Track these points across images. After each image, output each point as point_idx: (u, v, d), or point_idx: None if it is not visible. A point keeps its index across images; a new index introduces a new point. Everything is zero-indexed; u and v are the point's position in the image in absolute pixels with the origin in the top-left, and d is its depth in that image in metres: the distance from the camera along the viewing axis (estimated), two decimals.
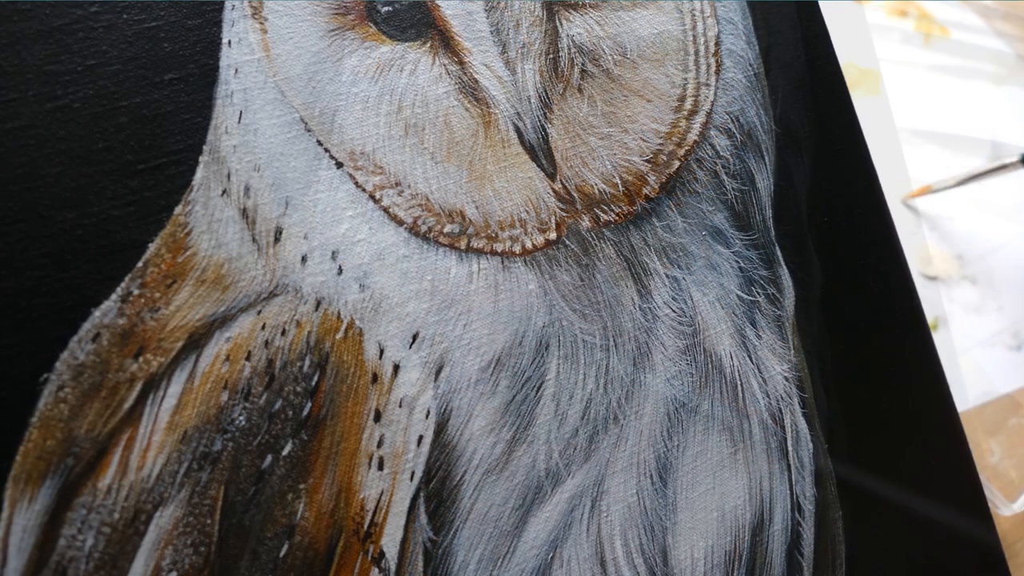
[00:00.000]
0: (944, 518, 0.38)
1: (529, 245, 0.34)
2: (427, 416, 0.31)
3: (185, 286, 0.30)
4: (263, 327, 0.30)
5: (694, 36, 0.38)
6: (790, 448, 0.36)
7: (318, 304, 0.31)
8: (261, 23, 0.32)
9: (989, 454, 0.57)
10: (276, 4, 0.32)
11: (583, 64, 0.36)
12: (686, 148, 0.37)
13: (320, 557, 0.29)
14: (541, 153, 0.34)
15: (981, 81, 0.75)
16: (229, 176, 0.31)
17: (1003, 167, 0.27)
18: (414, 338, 0.32)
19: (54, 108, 0.29)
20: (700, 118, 0.37)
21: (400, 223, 0.32)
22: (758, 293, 0.37)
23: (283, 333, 0.30)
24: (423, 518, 0.31)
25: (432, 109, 0.33)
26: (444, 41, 0.34)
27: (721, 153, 0.37)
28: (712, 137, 0.37)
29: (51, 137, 0.29)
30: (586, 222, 0.35)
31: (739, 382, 0.36)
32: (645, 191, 0.36)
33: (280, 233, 0.31)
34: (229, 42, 0.32)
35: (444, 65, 0.34)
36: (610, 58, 0.36)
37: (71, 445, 0.27)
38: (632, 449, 0.33)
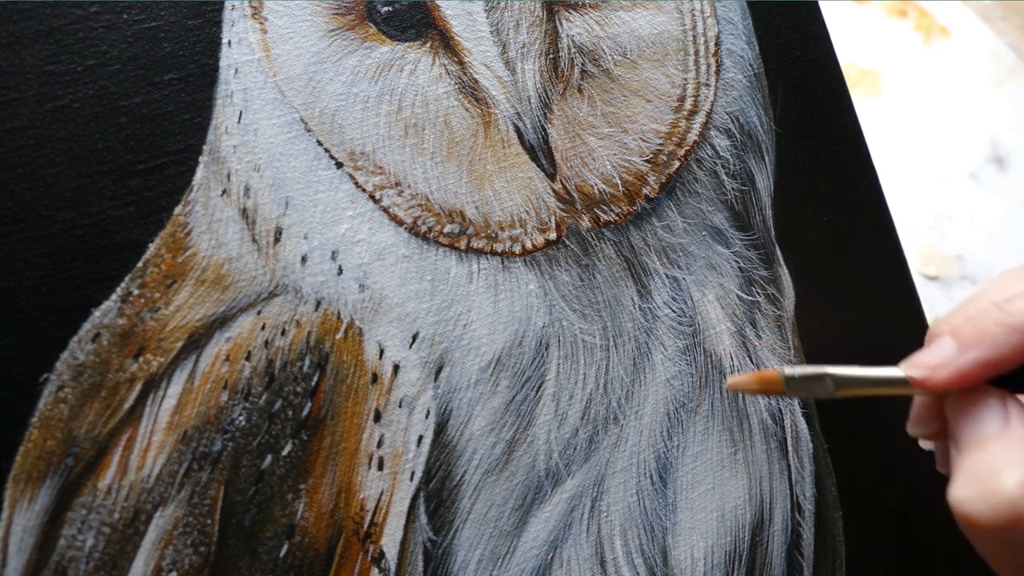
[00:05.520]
0: (946, 518, 0.38)
1: (529, 245, 0.34)
2: (427, 416, 0.31)
3: (185, 286, 0.30)
4: (263, 327, 0.30)
5: (694, 36, 0.38)
6: (790, 448, 0.36)
7: (318, 304, 0.31)
8: (261, 23, 0.32)
9: None
10: (276, 4, 0.32)
11: (583, 64, 0.36)
12: (686, 148, 0.37)
13: (320, 557, 0.29)
14: (541, 153, 0.34)
15: (981, 81, 0.75)
16: (229, 176, 0.31)
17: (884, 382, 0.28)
18: (414, 338, 0.32)
19: (54, 108, 0.29)
20: (700, 118, 0.37)
21: (400, 223, 0.32)
22: (758, 293, 0.37)
23: (283, 333, 0.30)
24: (423, 518, 0.31)
25: (432, 109, 0.33)
26: (444, 41, 0.34)
27: (721, 153, 0.37)
28: (712, 137, 0.37)
29: (51, 137, 0.29)
30: (586, 222, 0.35)
31: None
32: (645, 191, 0.36)
33: (280, 233, 0.31)
34: (229, 42, 0.32)
35: (444, 65, 0.34)
36: (610, 58, 0.36)
37: (71, 445, 0.27)
38: (632, 449, 0.33)
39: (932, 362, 0.27)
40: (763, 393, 0.30)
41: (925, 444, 0.34)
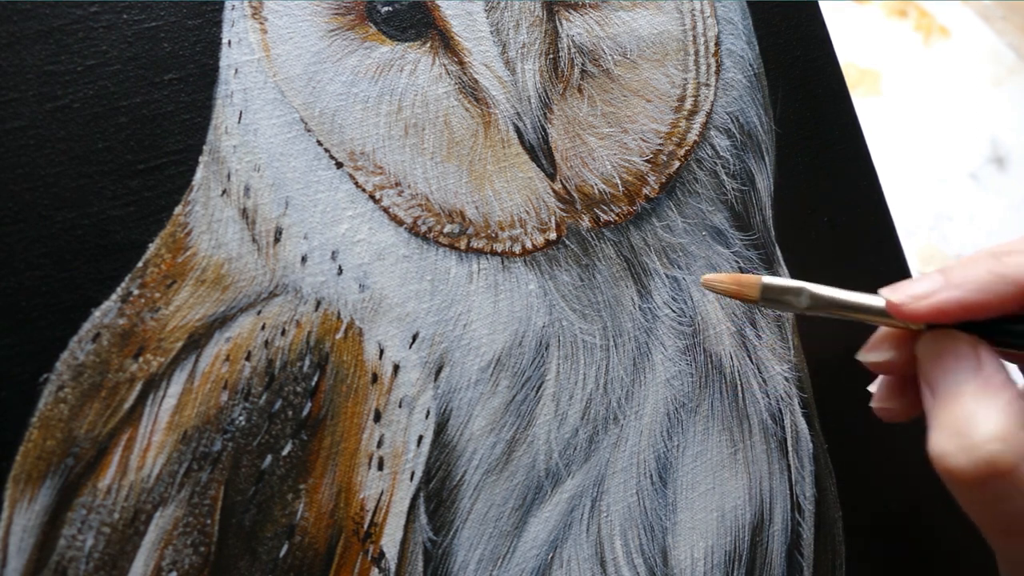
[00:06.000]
0: (946, 518, 0.38)
1: (529, 245, 0.34)
2: (427, 416, 0.31)
3: (185, 286, 0.30)
4: (263, 327, 0.30)
5: (694, 36, 0.38)
6: (790, 448, 0.36)
7: (318, 304, 0.31)
8: (261, 23, 0.32)
9: None
10: (276, 4, 0.32)
11: (583, 64, 0.36)
12: (686, 148, 0.37)
13: (320, 557, 0.29)
14: (541, 153, 0.34)
15: (981, 81, 0.75)
16: (229, 176, 0.31)
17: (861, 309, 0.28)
18: (414, 338, 0.32)
19: (54, 108, 0.29)
20: (700, 118, 0.37)
21: (400, 223, 0.32)
22: None
23: (283, 333, 0.30)
24: (423, 518, 0.31)
25: (432, 109, 0.33)
26: (444, 41, 0.34)
27: (721, 153, 0.37)
28: (712, 137, 0.37)
29: (51, 137, 0.29)
30: (586, 222, 0.35)
31: (739, 382, 0.36)
32: (645, 191, 0.36)
33: (280, 233, 0.31)
34: (229, 42, 0.32)
35: (444, 65, 0.34)
36: (610, 58, 0.36)
37: (71, 445, 0.27)
38: (632, 449, 0.33)
39: (914, 291, 0.27)
40: (735, 296, 0.30)
41: (872, 387, 0.34)
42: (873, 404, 0.33)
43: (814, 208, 0.39)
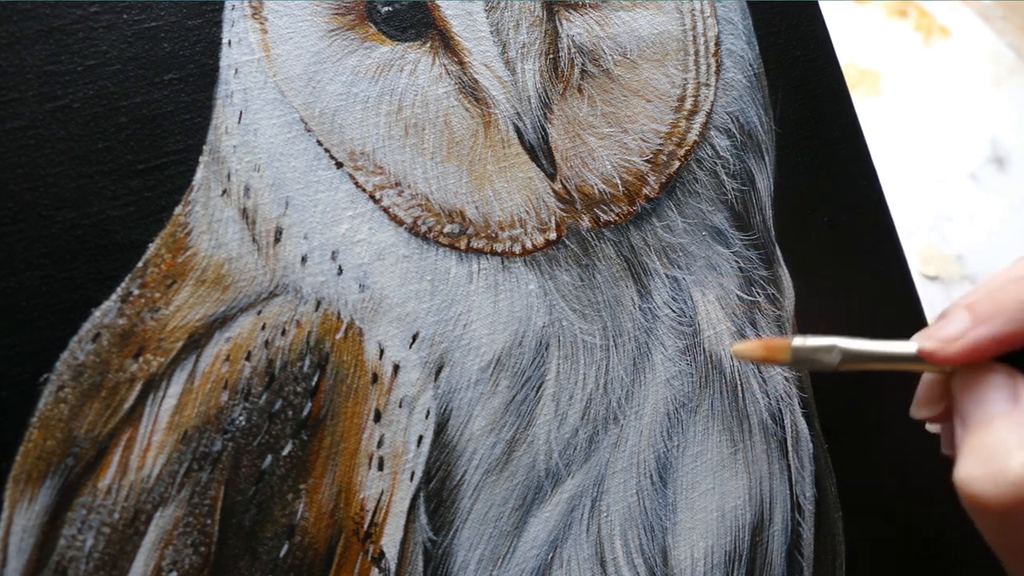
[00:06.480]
0: (947, 518, 0.38)
1: (529, 245, 0.34)
2: (427, 416, 0.31)
3: (185, 286, 0.30)
4: (263, 327, 0.30)
5: (694, 36, 0.38)
6: (790, 448, 0.36)
7: (318, 304, 0.31)
8: (261, 23, 0.32)
9: None
10: (276, 4, 0.32)
11: (583, 64, 0.36)
12: (686, 148, 0.37)
13: (320, 557, 0.29)
14: (541, 153, 0.34)
15: (981, 81, 0.75)
16: (229, 176, 0.31)
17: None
18: (414, 338, 0.32)
19: (54, 108, 0.29)
20: (700, 118, 0.37)
21: (400, 223, 0.32)
22: (758, 293, 0.37)
23: (283, 333, 0.30)
24: (423, 518, 0.31)
25: (432, 109, 0.33)
26: (444, 41, 0.34)
27: (721, 153, 0.37)
28: (712, 137, 0.37)
29: (51, 137, 0.29)
30: (586, 222, 0.35)
31: (739, 382, 0.36)
32: (645, 191, 0.36)
33: (280, 233, 0.31)
34: (229, 42, 0.32)
35: (444, 65, 0.34)
36: (610, 58, 0.36)
37: (71, 445, 0.27)
38: (632, 449, 0.33)
39: (945, 335, 0.26)
40: (767, 362, 0.29)
41: (931, 427, 0.33)
42: (944, 450, 0.32)
43: (814, 208, 0.39)
